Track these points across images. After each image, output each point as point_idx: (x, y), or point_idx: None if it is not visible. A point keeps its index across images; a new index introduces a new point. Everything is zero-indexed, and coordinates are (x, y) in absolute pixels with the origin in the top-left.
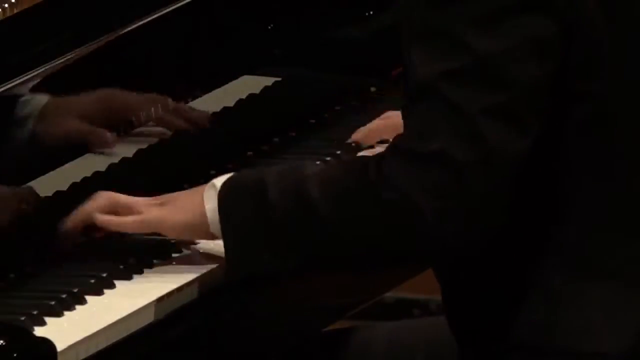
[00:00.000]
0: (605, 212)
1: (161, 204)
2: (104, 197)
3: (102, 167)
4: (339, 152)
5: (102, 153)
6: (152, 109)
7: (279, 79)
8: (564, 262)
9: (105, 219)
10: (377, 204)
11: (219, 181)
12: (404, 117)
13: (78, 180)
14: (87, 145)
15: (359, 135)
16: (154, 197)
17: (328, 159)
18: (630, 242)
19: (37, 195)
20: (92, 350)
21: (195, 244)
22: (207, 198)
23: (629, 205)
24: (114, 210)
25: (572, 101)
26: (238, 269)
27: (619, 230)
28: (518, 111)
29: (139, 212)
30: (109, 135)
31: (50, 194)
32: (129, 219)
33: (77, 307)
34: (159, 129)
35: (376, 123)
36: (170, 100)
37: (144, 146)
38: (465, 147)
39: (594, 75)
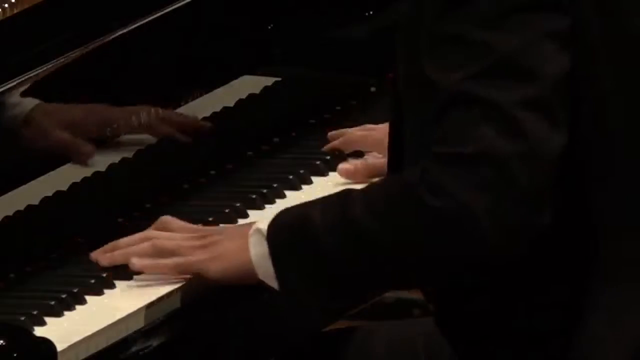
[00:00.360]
0: (607, 214)
1: (203, 247)
2: (149, 245)
3: (102, 167)
4: (338, 152)
5: (102, 153)
6: (152, 109)
7: (279, 79)
8: (567, 265)
9: (146, 264)
10: (426, 213)
11: (263, 224)
12: (438, 125)
13: (78, 180)
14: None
15: (336, 142)
16: (196, 233)
17: (328, 158)
18: (632, 243)
19: None
20: (92, 350)
21: None
22: (252, 244)
23: (630, 206)
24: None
25: (573, 102)
26: (301, 305)
27: (621, 232)
28: (550, 104)
29: (180, 255)
30: (89, 148)
31: (50, 194)
32: (170, 262)
33: (77, 307)
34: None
35: (357, 133)
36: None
37: (144, 146)
38: (508, 142)
39: (591, 77)
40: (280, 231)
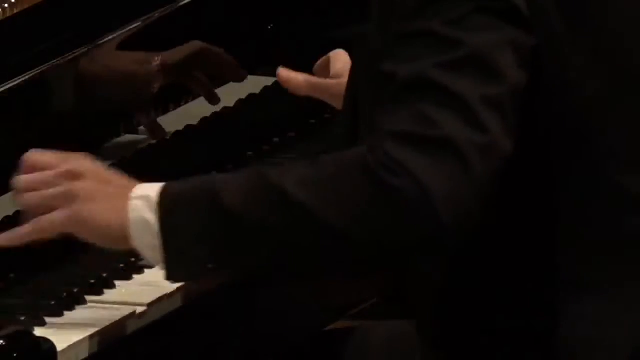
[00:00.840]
0: (589, 227)
1: (69, 198)
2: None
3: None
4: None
5: (102, 153)
6: (152, 108)
7: None
8: (555, 276)
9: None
10: (382, 191)
11: (151, 191)
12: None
13: None
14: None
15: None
16: (58, 172)
17: None
18: (615, 258)
19: None
20: (92, 350)
21: None
22: (133, 209)
23: (608, 221)
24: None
25: (546, 121)
26: (182, 279)
27: (603, 246)
28: (507, 109)
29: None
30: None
31: None
32: (31, 228)
33: (77, 307)
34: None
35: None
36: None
37: (144, 146)
38: (471, 133)
39: (563, 93)
40: (177, 201)
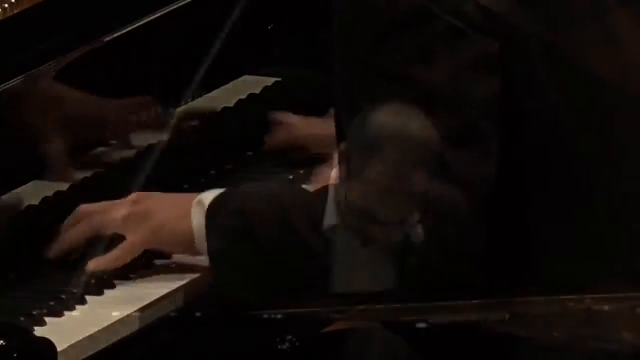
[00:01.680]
0: (572, 235)
1: (144, 217)
2: (84, 230)
3: (102, 168)
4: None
5: (102, 153)
6: (152, 108)
7: (279, 79)
8: (547, 281)
9: (97, 263)
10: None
11: (207, 198)
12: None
13: (78, 180)
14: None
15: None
16: (134, 203)
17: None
18: (600, 264)
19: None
20: (92, 350)
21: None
22: (194, 214)
23: (593, 228)
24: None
25: (517, 127)
26: (221, 289)
27: (587, 252)
28: (479, 132)
29: (124, 230)
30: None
31: (50, 194)
32: (116, 253)
33: (77, 307)
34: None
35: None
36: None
37: (144, 146)
38: (444, 186)
39: (535, 92)
40: (220, 211)
